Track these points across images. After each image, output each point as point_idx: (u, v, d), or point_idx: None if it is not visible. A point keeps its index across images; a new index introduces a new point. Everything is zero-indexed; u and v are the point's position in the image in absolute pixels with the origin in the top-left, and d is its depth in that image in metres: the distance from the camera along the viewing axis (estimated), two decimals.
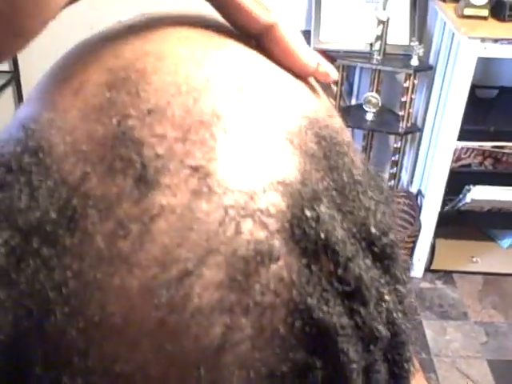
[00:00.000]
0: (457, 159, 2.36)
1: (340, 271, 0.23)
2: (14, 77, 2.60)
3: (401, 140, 2.54)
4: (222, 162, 0.22)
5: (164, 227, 0.21)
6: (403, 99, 2.42)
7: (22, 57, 2.58)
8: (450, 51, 2.34)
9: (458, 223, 2.55)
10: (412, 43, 2.37)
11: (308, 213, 0.23)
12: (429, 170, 2.47)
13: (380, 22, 2.34)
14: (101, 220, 0.21)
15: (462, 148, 2.34)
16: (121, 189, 0.22)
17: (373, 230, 0.25)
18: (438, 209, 2.38)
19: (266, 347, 0.22)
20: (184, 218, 0.21)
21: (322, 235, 0.22)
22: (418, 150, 2.66)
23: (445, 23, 2.36)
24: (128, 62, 0.25)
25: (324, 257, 0.23)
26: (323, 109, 0.28)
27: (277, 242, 0.22)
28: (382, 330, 0.24)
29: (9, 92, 2.67)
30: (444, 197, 2.36)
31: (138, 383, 0.21)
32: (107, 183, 0.22)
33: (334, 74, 0.30)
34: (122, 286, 0.21)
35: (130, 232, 0.21)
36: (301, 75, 0.28)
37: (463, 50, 2.13)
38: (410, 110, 2.44)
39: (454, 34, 2.25)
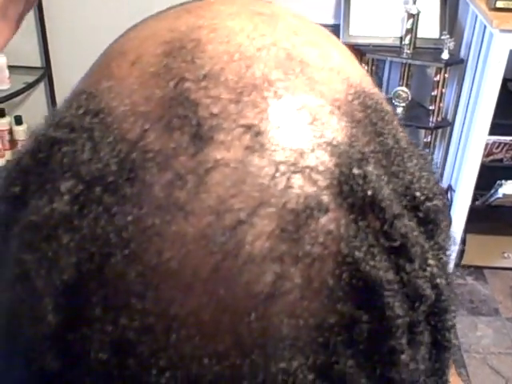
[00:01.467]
0: (488, 154, 2.33)
1: (386, 227, 0.23)
2: (46, 73, 2.63)
3: (431, 134, 2.52)
4: (273, 122, 0.24)
5: (218, 179, 0.22)
6: (433, 93, 2.40)
7: (54, 53, 2.62)
8: (481, 44, 2.31)
9: (489, 218, 2.53)
10: (443, 37, 2.35)
11: (356, 171, 0.23)
12: (459, 164, 2.44)
13: (410, 15, 2.32)
14: (159, 172, 0.23)
15: (494, 142, 2.31)
16: (178, 144, 0.23)
17: (417, 193, 0.25)
18: (469, 204, 2.36)
19: (315, 298, 0.22)
20: (237, 171, 0.23)
21: (369, 192, 0.23)
22: (448, 144, 2.64)
23: (476, 16, 2.33)
24: (183, 34, 0.27)
25: (371, 213, 0.23)
26: (367, 80, 0.29)
27: (325, 198, 0.23)
28: (427, 289, 0.24)
29: (41, 87, 2.70)
30: (475, 192, 2.34)
31: (191, 327, 0.22)
32: (165, 139, 0.23)
33: None
34: (179, 233, 0.22)
35: (186, 183, 0.22)
36: None
37: (495, 43, 2.10)
38: (441, 104, 2.42)
39: (485, 26, 2.22)
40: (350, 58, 0.30)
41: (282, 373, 0.22)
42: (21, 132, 2.55)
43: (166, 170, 0.23)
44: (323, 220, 0.23)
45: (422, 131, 2.58)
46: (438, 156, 2.70)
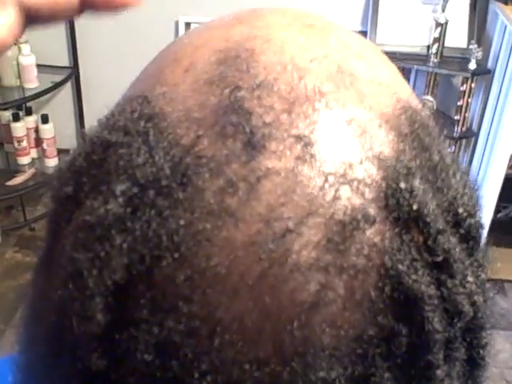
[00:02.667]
0: None
1: (430, 242, 0.24)
2: (74, 72, 2.66)
3: (455, 145, 2.50)
4: (324, 134, 0.24)
5: (269, 187, 0.23)
6: (459, 103, 2.39)
7: (82, 53, 2.64)
8: (509, 55, 2.29)
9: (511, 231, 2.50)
10: (470, 46, 2.33)
11: (402, 185, 0.24)
12: (483, 175, 2.42)
13: (438, 24, 2.31)
14: (211, 178, 0.23)
15: None
16: (231, 151, 0.23)
17: (460, 210, 0.26)
18: (491, 216, 2.33)
19: (356, 309, 0.23)
20: (288, 180, 0.23)
21: (415, 207, 0.24)
22: (472, 155, 2.62)
23: (505, 26, 2.31)
24: (237, 43, 0.27)
25: (415, 228, 0.24)
26: (414, 96, 0.30)
27: (371, 210, 0.23)
28: (466, 306, 0.24)
29: (68, 87, 2.73)
30: (497, 203, 2.32)
31: (234, 332, 0.22)
32: (218, 146, 0.24)
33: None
34: (228, 239, 0.22)
35: (237, 190, 0.23)
36: None
37: None
38: (466, 115, 2.41)
39: None
40: (397, 75, 0.31)
41: (320, 382, 0.22)
42: (47, 130, 2.57)
43: (218, 176, 0.23)
44: (369, 232, 0.23)
45: (447, 141, 2.56)
46: None
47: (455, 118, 2.43)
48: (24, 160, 2.57)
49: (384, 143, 0.25)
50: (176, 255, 0.22)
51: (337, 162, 0.24)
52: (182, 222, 0.23)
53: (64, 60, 2.68)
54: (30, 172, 2.56)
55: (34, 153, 2.61)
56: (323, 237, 0.23)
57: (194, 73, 0.26)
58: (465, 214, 0.26)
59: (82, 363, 0.23)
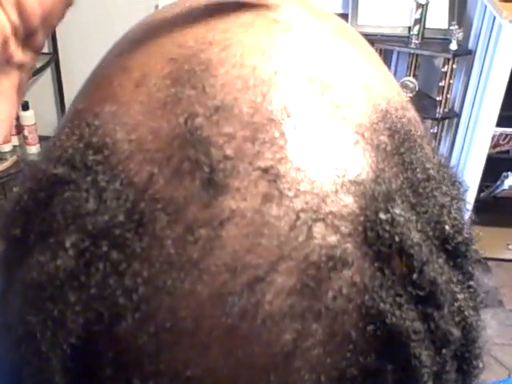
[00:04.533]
0: (495, 145, 2.32)
1: (415, 276, 0.22)
2: (53, 58, 2.63)
3: (438, 125, 2.51)
4: (293, 163, 0.22)
5: (234, 232, 0.21)
6: (441, 84, 2.39)
7: (61, 38, 2.61)
8: (490, 35, 2.30)
9: (495, 210, 2.52)
10: (451, 27, 2.33)
11: (382, 216, 0.22)
12: (466, 155, 2.44)
13: (419, 5, 2.31)
14: (169, 224, 0.21)
15: (501, 134, 2.30)
16: (189, 192, 0.21)
17: (447, 228, 0.24)
18: (475, 195, 2.35)
19: (337, 352, 0.21)
20: (254, 222, 0.21)
21: (397, 239, 0.22)
22: (454, 135, 2.63)
23: (485, 7, 2.31)
24: (191, 52, 0.24)
25: (398, 260, 0.22)
26: (396, 99, 0.27)
27: (349, 246, 0.21)
28: (455, 333, 0.23)
29: (48, 73, 2.70)
30: (480, 183, 2.34)
31: None
32: (175, 186, 0.21)
33: None
34: (192, 292, 0.21)
35: (199, 237, 0.21)
36: None
37: (504, 34, 2.09)
38: (448, 95, 2.41)
39: (494, 17, 2.21)
40: (379, 69, 0.28)
41: None
42: (27, 117, 2.55)
43: (176, 222, 0.21)
44: (347, 272, 0.21)
45: (429, 122, 2.57)
46: (444, 147, 2.69)
47: (437, 98, 2.43)
48: (5, 147, 2.55)
49: (361, 164, 0.23)
50: (137, 315, 0.21)
51: (308, 196, 0.21)
52: (139, 279, 0.21)
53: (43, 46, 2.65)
54: (11, 160, 2.53)
55: (15, 140, 2.58)
56: (297, 282, 0.21)
57: (145, 89, 0.24)
58: (452, 231, 0.24)
59: None
